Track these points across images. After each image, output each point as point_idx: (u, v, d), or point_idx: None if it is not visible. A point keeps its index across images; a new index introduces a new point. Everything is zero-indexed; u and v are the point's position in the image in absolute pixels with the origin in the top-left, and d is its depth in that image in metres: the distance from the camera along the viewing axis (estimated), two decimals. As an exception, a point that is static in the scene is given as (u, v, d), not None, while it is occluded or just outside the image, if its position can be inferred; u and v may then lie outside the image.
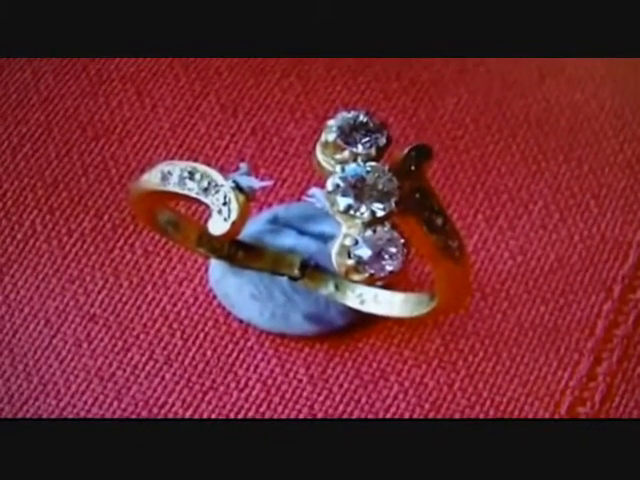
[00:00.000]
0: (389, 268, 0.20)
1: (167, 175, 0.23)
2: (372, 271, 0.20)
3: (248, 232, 0.28)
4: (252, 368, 0.27)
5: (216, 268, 0.28)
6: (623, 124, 0.33)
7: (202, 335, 0.28)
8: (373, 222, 0.20)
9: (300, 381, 0.27)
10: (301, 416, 0.27)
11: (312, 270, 0.28)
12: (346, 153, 0.21)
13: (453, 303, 0.26)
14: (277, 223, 0.28)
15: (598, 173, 0.32)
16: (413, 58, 0.34)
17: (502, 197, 0.31)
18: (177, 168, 0.22)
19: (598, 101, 0.34)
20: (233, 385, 0.27)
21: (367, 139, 0.21)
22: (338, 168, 0.21)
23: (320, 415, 0.27)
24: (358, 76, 0.33)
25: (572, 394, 0.27)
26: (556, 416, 0.27)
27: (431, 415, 0.27)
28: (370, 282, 0.21)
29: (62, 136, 0.32)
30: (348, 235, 0.21)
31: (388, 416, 0.27)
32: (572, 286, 0.29)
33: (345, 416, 0.27)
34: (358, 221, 0.20)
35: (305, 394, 0.27)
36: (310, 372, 0.27)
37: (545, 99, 0.34)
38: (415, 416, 0.27)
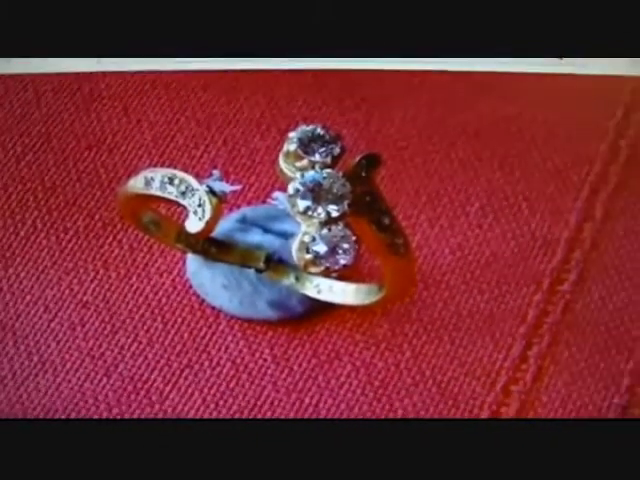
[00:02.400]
0: (343, 262, 0.22)
1: (150, 181, 0.24)
2: (328, 264, 0.22)
3: (220, 230, 0.29)
4: (223, 349, 0.29)
5: (192, 262, 0.30)
6: (551, 135, 0.34)
7: (180, 320, 0.29)
8: (329, 222, 0.22)
9: (265, 360, 0.29)
10: (265, 392, 0.28)
11: (275, 263, 0.29)
12: (305, 161, 0.22)
13: (399, 293, 0.28)
14: (245, 222, 0.30)
15: (529, 178, 0.33)
16: (365, 76, 0.35)
17: (443, 200, 0.33)
18: (158, 174, 0.24)
19: (529, 114, 0.35)
20: (207, 363, 0.29)
21: (324, 149, 0.23)
22: (298, 174, 0.22)
23: (283, 390, 0.28)
24: (316, 93, 0.35)
25: (506, 374, 0.29)
26: (492, 393, 0.28)
27: (380, 392, 0.28)
28: (326, 274, 0.23)
29: (59, 146, 0.34)
30: (307, 233, 0.22)
31: (342, 392, 0.28)
32: (506, 278, 0.30)
33: (304, 391, 0.28)
34: (315, 221, 0.22)
35: (269, 372, 0.28)
36: (274, 352, 0.29)
37: (481, 112, 0.35)
38: (366, 392, 0.28)
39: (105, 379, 0.28)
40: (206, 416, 0.27)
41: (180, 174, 0.24)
